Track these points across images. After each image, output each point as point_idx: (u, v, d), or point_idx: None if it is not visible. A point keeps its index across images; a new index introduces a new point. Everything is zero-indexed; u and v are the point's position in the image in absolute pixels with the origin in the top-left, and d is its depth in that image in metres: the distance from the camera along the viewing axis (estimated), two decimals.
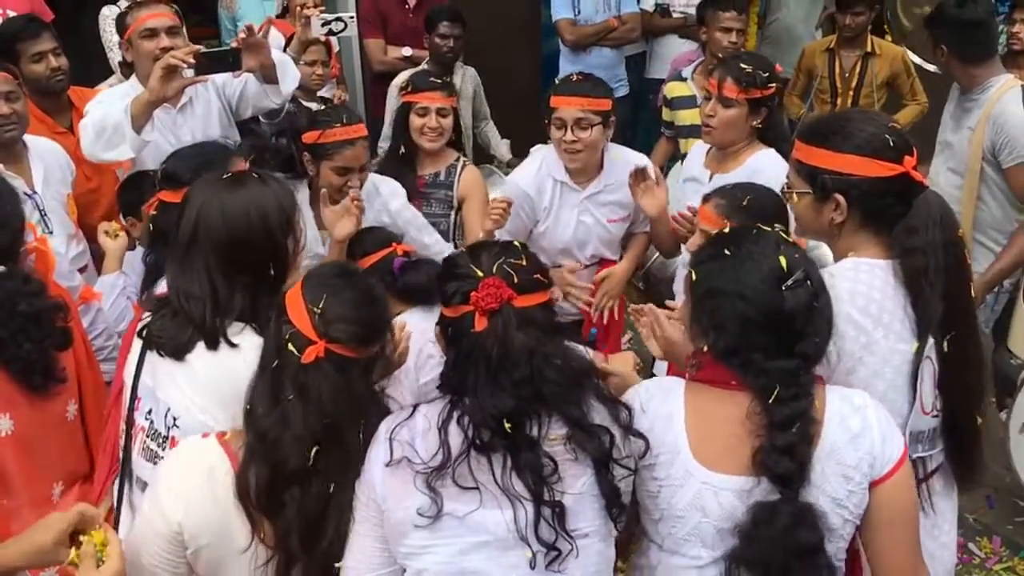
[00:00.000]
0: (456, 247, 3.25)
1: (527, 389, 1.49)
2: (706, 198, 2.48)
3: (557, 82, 3.12)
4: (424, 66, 4.47)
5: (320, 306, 1.57)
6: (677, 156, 4.42)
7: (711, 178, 2.88)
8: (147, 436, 1.87)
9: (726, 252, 1.61)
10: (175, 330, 1.82)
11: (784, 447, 1.49)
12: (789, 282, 1.54)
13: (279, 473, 1.55)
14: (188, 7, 5.00)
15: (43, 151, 3.09)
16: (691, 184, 2.99)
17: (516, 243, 1.65)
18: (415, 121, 3.24)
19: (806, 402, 1.53)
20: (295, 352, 1.55)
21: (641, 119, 5.33)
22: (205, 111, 3.19)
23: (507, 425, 1.48)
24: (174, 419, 1.82)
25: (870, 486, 1.55)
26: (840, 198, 1.81)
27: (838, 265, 1.86)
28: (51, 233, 2.94)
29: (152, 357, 1.87)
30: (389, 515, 1.53)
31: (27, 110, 3.02)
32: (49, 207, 2.99)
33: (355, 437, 1.59)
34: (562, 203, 3.07)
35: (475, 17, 4.66)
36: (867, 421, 1.57)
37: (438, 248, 3.03)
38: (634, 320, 2.33)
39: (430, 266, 2.44)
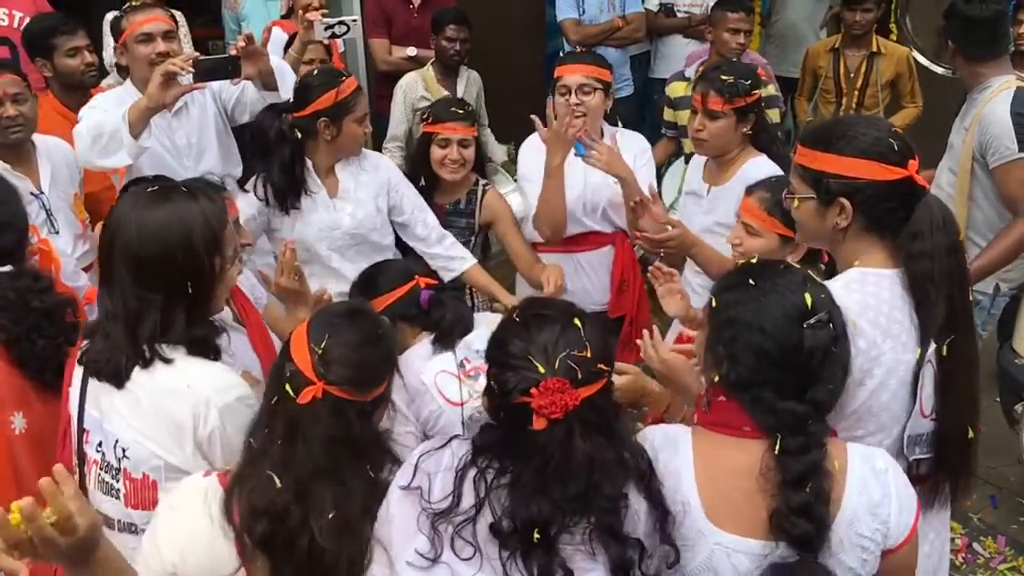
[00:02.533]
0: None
1: (577, 504, 1.41)
2: (749, 191, 2.47)
3: (561, 56, 3.36)
4: (429, 68, 4.48)
5: (322, 346, 1.55)
6: (679, 154, 4.43)
7: (709, 191, 2.89)
8: (100, 469, 1.82)
9: (751, 282, 1.57)
10: (108, 353, 1.74)
11: (800, 507, 1.45)
12: (812, 320, 1.51)
13: (256, 509, 1.51)
14: (194, 8, 5.05)
15: (51, 150, 3.10)
16: (691, 198, 3.00)
17: (576, 320, 1.49)
18: (436, 152, 3.16)
19: (817, 454, 1.48)
20: (291, 392, 1.53)
21: (646, 118, 5.34)
22: (201, 115, 3.20)
23: (535, 535, 1.40)
24: (123, 450, 1.77)
25: (882, 553, 1.53)
26: (845, 202, 1.80)
27: (845, 276, 1.84)
28: (57, 233, 2.97)
29: (94, 385, 1.80)
30: (392, 536, 1.51)
31: (35, 112, 3.04)
32: (55, 207, 3.01)
33: (356, 478, 1.55)
34: (568, 167, 3.16)
35: (479, 17, 4.66)
36: (887, 489, 1.53)
37: (438, 233, 3.08)
38: (653, 278, 2.38)
39: (457, 303, 2.50)
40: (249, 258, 2.76)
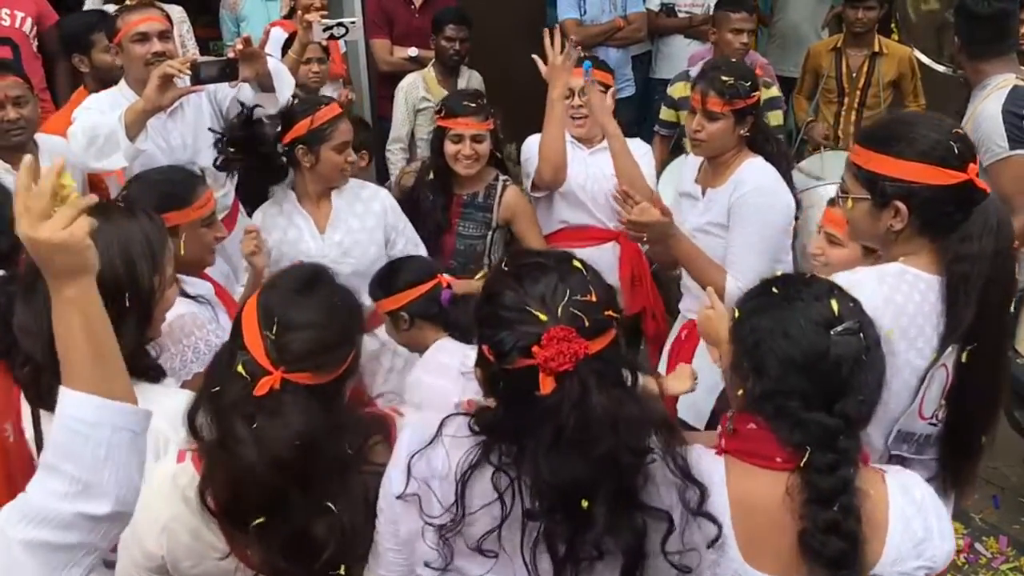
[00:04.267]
0: (488, 266, 3.25)
1: (609, 463, 1.28)
2: (833, 201, 2.41)
3: None
4: (430, 68, 4.48)
5: (274, 331, 1.41)
6: (676, 154, 4.43)
7: (704, 193, 2.89)
8: None
9: (774, 290, 1.51)
10: (32, 375, 1.65)
11: (829, 525, 1.37)
12: (839, 328, 1.43)
13: (237, 497, 1.42)
14: (196, 8, 5.04)
15: (54, 151, 3.10)
16: (686, 200, 2.99)
17: (575, 261, 1.37)
18: (449, 148, 3.17)
19: (848, 472, 1.40)
20: (248, 379, 1.39)
21: (647, 118, 5.33)
22: (196, 116, 3.20)
23: (584, 503, 1.27)
24: None
25: None
26: (901, 205, 1.74)
27: (884, 267, 1.79)
28: None
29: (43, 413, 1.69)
30: (404, 538, 1.45)
31: (36, 114, 3.05)
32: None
33: (333, 456, 1.44)
34: (571, 158, 3.26)
35: (480, 17, 4.66)
36: (928, 523, 1.46)
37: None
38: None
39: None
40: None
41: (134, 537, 1.52)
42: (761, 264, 2.59)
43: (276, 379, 1.39)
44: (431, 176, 3.28)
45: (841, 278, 1.70)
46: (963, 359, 1.75)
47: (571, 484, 1.27)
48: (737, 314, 1.54)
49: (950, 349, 1.76)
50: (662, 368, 2.96)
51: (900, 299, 1.73)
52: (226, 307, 2.33)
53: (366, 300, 2.89)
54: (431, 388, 2.27)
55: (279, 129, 2.88)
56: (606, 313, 1.32)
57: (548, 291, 1.31)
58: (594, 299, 1.31)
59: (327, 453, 1.42)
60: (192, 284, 2.27)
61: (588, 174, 3.30)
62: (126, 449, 1.22)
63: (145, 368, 1.70)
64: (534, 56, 3.19)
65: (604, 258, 3.33)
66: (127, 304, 1.61)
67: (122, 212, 1.71)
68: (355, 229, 2.94)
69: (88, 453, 1.19)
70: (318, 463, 1.41)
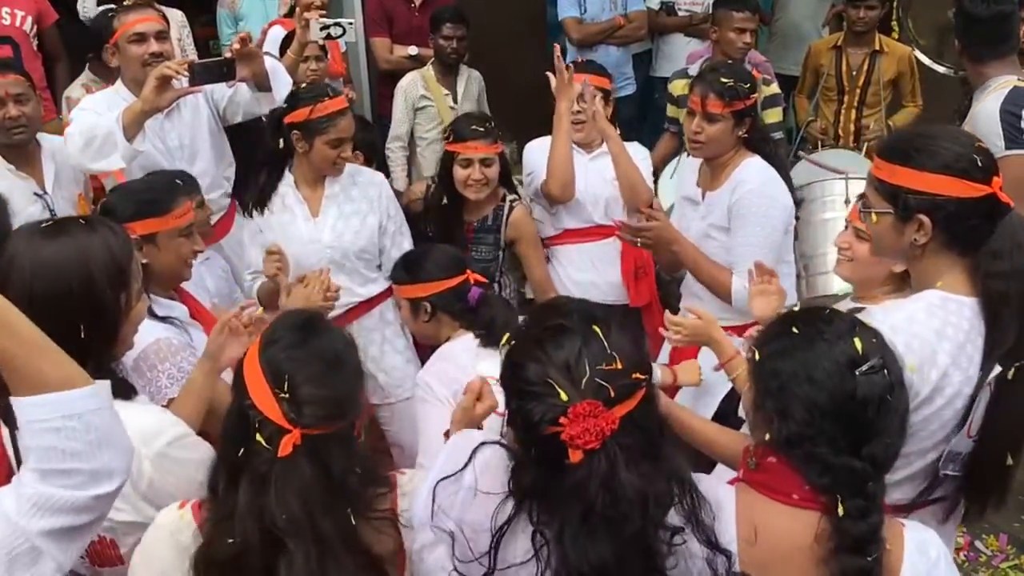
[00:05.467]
0: (500, 285, 3.26)
1: (639, 543, 1.26)
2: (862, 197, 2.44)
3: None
4: (429, 67, 4.48)
5: (286, 389, 1.39)
6: (680, 151, 4.43)
7: (703, 196, 2.89)
8: None
9: (794, 330, 1.46)
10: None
11: (860, 573, 1.34)
12: (864, 367, 1.39)
13: (243, 555, 1.38)
14: (197, 8, 5.04)
15: (55, 150, 3.10)
16: (688, 204, 2.99)
17: (596, 326, 1.31)
18: (459, 173, 3.12)
19: (877, 517, 1.37)
20: (266, 444, 1.37)
21: (648, 117, 5.34)
22: (193, 116, 3.21)
23: None
24: None
25: None
26: (924, 219, 1.72)
27: (926, 298, 1.76)
28: None
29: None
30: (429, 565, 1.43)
31: (38, 112, 3.06)
32: (59, 208, 3.02)
33: (334, 528, 1.39)
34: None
35: (481, 16, 4.66)
36: None
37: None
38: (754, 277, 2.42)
39: (507, 309, 2.44)
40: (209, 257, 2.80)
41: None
42: (766, 263, 2.60)
43: (296, 436, 1.36)
44: (441, 202, 3.24)
45: (889, 316, 1.69)
46: (1009, 377, 1.72)
47: (599, 567, 1.24)
48: (757, 356, 1.49)
49: (996, 369, 1.73)
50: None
51: (951, 331, 1.71)
52: (204, 324, 2.27)
53: (354, 285, 2.93)
54: (440, 372, 2.24)
55: (284, 108, 2.90)
56: (634, 376, 1.28)
57: (572, 359, 1.28)
58: (620, 366, 1.28)
59: (330, 516, 1.39)
60: (165, 306, 2.23)
61: (588, 180, 3.31)
62: (109, 424, 1.23)
63: (114, 386, 1.62)
64: (548, 73, 3.24)
65: (606, 253, 3.36)
66: (89, 322, 1.55)
67: (82, 227, 1.63)
68: (348, 213, 2.95)
69: (81, 445, 1.19)
70: (320, 527, 1.38)
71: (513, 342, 1.39)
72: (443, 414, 1.93)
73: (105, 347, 1.63)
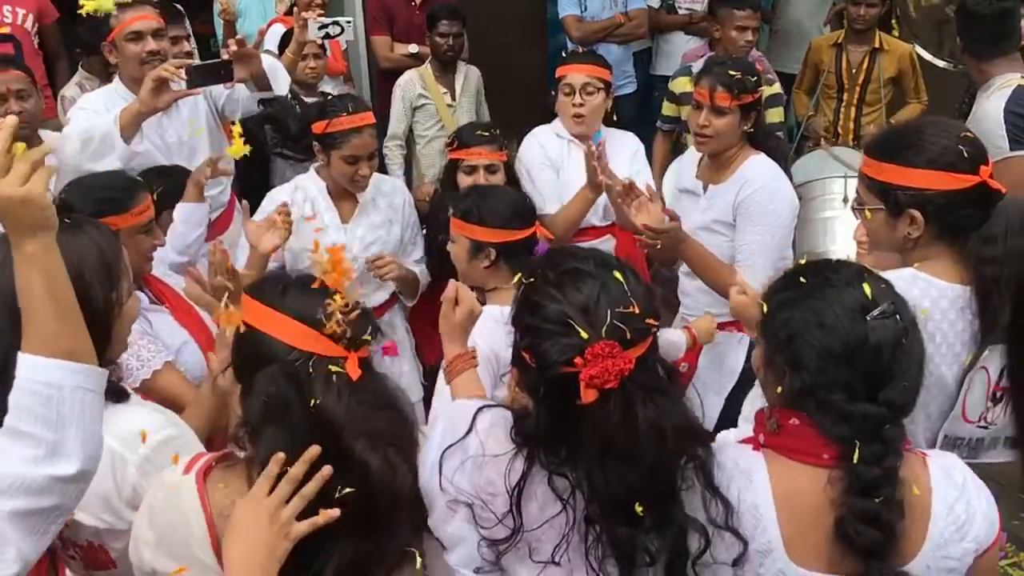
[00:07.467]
0: None
1: (658, 470, 1.31)
2: None
3: (564, 55, 3.52)
4: (427, 65, 4.48)
5: (320, 319, 1.35)
6: (680, 150, 4.43)
7: (706, 189, 2.88)
8: None
9: (802, 280, 1.46)
10: None
11: (867, 515, 1.34)
12: (875, 312, 1.38)
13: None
14: (197, 6, 5.03)
15: (57, 147, 3.11)
16: (687, 196, 2.97)
17: (616, 270, 1.34)
18: (463, 180, 3.08)
19: (893, 461, 1.36)
20: (333, 375, 1.32)
21: (648, 115, 5.33)
22: (191, 113, 3.21)
23: (639, 508, 1.28)
24: None
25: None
26: (916, 213, 1.75)
27: (899, 272, 1.75)
28: None
29: None
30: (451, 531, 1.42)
31: (40, 108, 3.06)
32: None
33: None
34: (568, 159, 3.26)
35: (480, 14, 4.66)
36: (970, 506, 1.44)
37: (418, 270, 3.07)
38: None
39: None
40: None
41: (134, 546, 1.45)
42: (772, 262, 2.61)
43: (355, 360, 1.34)
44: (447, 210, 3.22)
45: None
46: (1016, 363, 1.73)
47: (624, 492, 1.28)
48: (765, 309, 1.48)
49: (987, 351, 1.75)
50: None
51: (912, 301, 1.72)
52: (163, 298, 2.32)
53: (368, 292, 2.92)
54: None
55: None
56: (647, 322, 1.31)
57: (591, 301, 1.30)
58: (636, 310, 1.30)
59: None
60: None
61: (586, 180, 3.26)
62: (88, 407, 1.25)
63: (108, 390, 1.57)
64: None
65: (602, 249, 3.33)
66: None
67: (67, 228, 1.55)
68: (377, 224, 2.96)
69: (52, 414, 1.21)
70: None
71: (527, 282, 1.38)
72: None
73: (100, 347, 1.56)
